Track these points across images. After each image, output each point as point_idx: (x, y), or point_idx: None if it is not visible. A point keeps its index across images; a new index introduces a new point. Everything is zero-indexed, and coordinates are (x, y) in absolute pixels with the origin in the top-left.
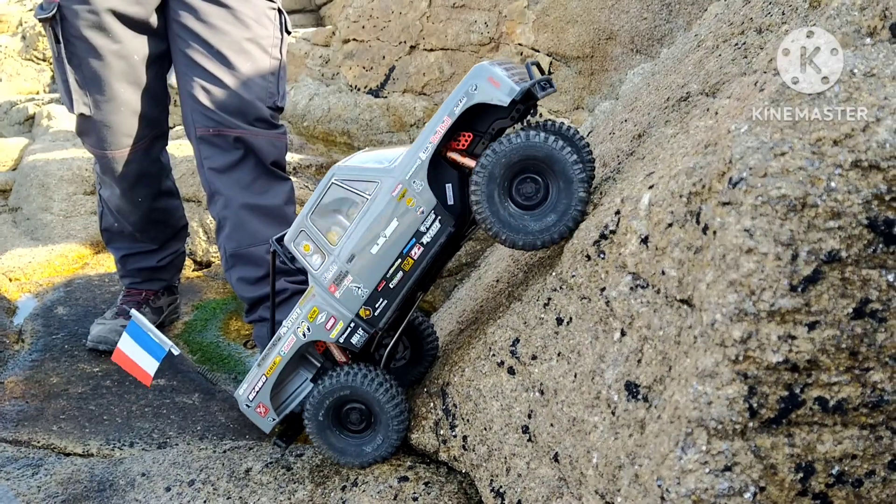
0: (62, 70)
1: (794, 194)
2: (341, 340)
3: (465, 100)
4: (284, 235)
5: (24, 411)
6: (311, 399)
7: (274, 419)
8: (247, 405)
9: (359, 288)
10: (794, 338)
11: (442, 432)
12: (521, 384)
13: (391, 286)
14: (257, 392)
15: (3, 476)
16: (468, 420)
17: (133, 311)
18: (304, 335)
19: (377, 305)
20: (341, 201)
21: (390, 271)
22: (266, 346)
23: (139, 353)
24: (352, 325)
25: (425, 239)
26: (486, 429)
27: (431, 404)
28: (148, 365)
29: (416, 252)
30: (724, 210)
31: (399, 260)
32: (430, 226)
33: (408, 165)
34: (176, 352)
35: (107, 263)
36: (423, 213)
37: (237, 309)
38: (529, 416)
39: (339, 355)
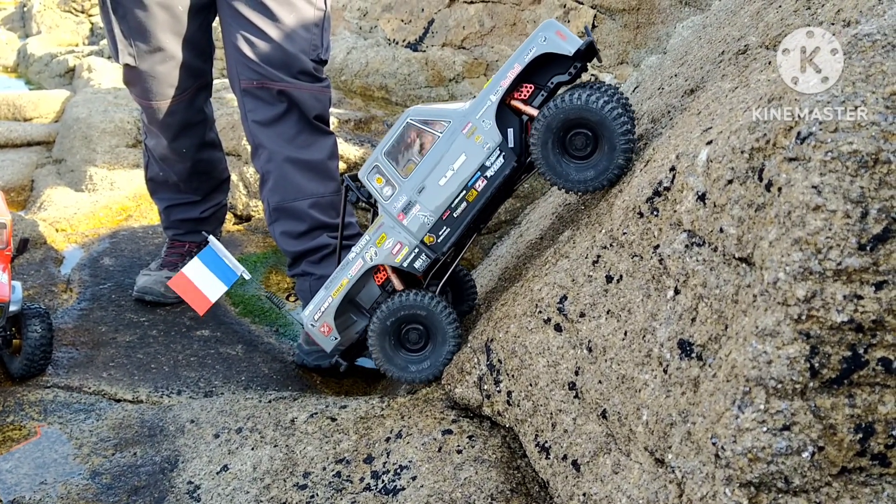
0: (108, 19)
1: (865, 150)
2: (405, 265)
3: (535, 49)
4: (356, 174)
5: (74, 358)
6: (378, 314)
7: (336, 338)
8: (312, 324)
9: (425, 216)
10: (860, 297)
11: (486, 387)
12: (568, 341)
13: (455, 215)
14: (323, 312)
15: (57, 420)
16: (513, 376)
17: (210, 237)
18: (371, 259)
19: (440, 233)
20: (414, 139)
21: (455, 201)
22: (318, 290)
23: (207, 278)
24: (416, 250)
25: (489, 173)
26: (531, 385)
27: (475, 360)
28: (213, 290)
29: (480, 184)
30: (791, 166)
31: (464, 191)
32: (495, 161)
33: (478, 106)
34: (248, 276)
35: (150, 216)
36: (489, 148)
37: (277, 263)
38: (577, 373)
39: (398, 284)
